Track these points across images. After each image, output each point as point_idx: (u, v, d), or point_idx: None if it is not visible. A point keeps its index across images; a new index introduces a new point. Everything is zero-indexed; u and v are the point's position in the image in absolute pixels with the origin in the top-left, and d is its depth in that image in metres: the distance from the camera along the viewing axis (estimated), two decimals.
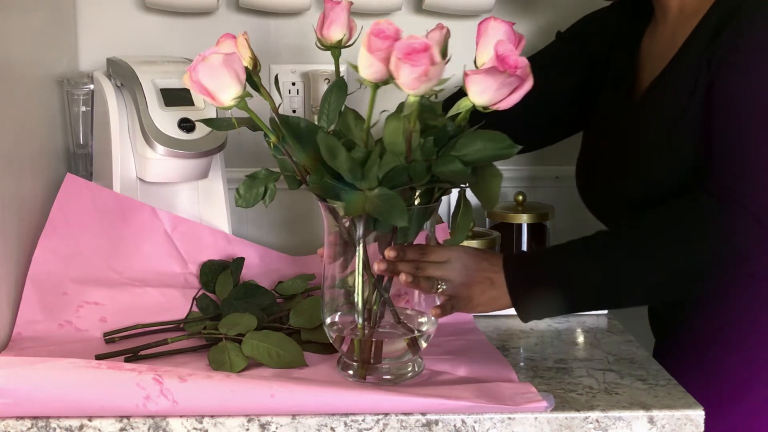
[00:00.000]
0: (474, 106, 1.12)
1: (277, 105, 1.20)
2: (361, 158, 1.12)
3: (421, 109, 1.12)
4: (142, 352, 1.28)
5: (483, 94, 1.10)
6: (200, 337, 1.32)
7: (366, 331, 1.19)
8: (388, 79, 1.11)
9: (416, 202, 1.17)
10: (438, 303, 1.22)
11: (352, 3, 1.21)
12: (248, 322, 1.30)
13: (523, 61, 1.09)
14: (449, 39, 1.19)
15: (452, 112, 1.13)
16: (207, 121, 1.25)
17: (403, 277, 1.17)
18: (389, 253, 1.18)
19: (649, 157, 1.31)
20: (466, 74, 1.10)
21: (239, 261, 1.46)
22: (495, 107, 1.11)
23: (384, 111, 1.16)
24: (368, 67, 1.11)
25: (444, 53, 1.17)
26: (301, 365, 1.25)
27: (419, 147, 1.12)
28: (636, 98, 1.37)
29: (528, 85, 1.10)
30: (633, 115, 1.35)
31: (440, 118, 1.15)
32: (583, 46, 1.52)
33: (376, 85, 1.13)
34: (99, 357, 1.26)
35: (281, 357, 1.25)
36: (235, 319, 1.32)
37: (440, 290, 1.21)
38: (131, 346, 1.30)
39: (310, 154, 1.14)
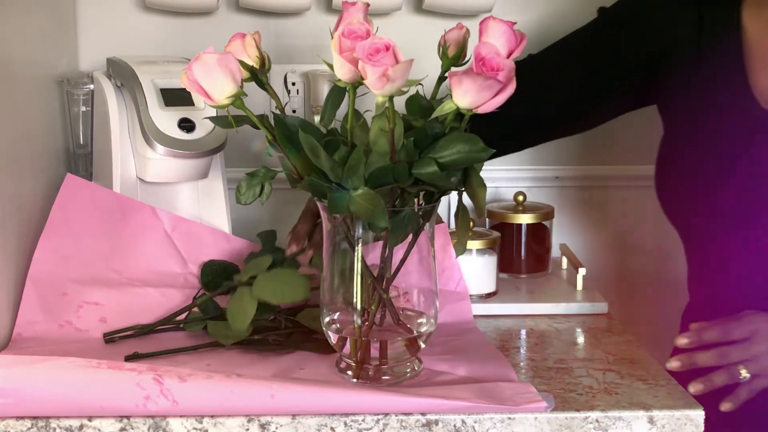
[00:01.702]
0: (458, 108, 1.11)
1: (284, 104, 1.21)
2: (342, 158, 1.12)
3: (414, 109, 1.11)
4: (142, 352, 1.28)
5: (464, 96, 1.09)
6: (200, 338, 1.32)
7: (364, 332, 1.19)
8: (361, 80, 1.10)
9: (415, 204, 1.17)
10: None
11: (368, 5, 1.21)
12: (264, 262, 1.32)
13: (507, 64, 1.08)
14: (468, 38, 1.17)
15: (436, 113, 1.12)
16: (212, 118, 1.26)
17: (699, 386, 1.07)
18: (681, 341, 1.10)
19: None
20: (448, 75, 1.10)
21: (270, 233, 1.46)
22: (478, 110, 1.10)
23: (367, 111, 1.16)
24: (340, 68, 1.11)
25: (462, 53, 1.17)
26: (305, 299, 1.27)
27: (403, 148, 1.12)
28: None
29: (511, 88, 1.08)
30: None
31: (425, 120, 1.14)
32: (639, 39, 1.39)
33: (353, 86, 1.13)
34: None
35: (285, 294, 1.28)
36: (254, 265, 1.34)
37: (743, 377, 1.10)
38: (131, 346, 1.30)
39: (302, 153, 1.14)
